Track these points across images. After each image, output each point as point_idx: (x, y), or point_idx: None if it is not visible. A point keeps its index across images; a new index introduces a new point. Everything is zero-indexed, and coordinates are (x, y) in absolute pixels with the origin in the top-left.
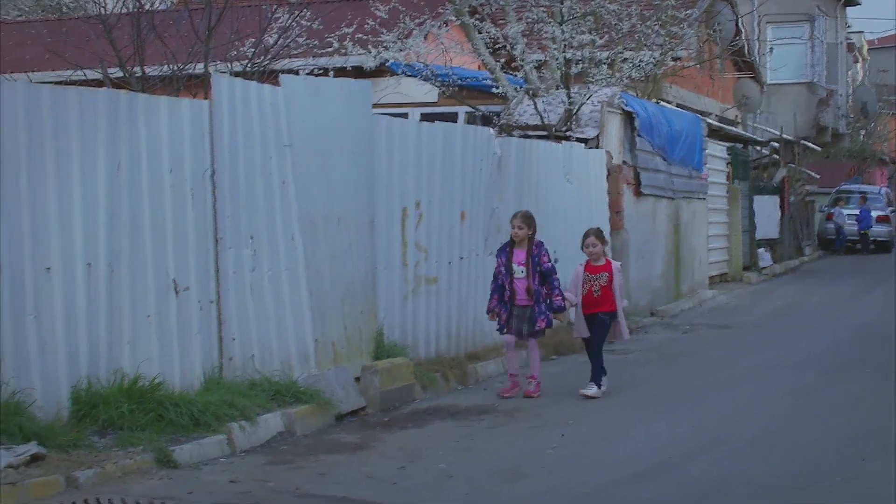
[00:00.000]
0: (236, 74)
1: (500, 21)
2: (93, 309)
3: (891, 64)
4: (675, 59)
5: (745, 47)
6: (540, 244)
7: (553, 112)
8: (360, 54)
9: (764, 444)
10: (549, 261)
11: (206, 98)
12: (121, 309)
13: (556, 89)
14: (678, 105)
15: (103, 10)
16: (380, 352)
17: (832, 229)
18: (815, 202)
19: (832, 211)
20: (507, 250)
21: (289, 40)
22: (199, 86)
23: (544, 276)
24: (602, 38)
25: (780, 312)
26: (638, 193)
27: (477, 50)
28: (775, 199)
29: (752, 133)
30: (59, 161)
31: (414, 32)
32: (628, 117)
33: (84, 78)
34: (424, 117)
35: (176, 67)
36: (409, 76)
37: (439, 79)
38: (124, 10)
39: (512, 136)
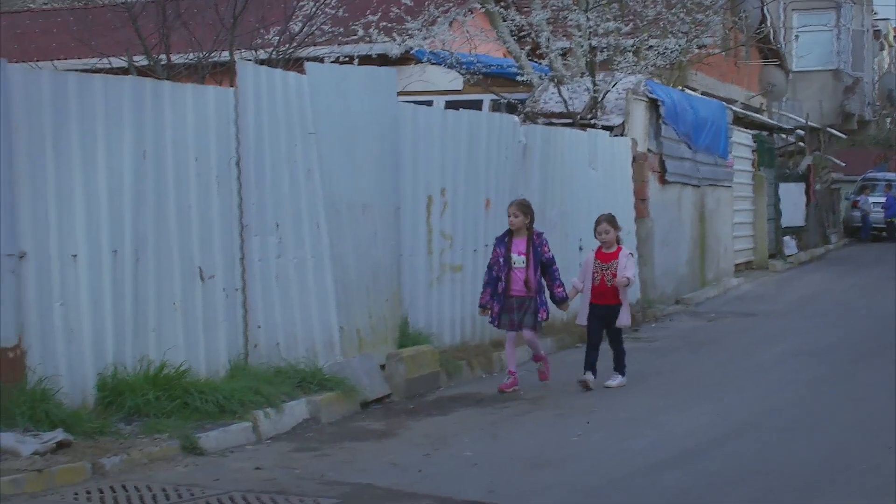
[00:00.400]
0: (261, 62)
1: (525, 8)
2: (118, 296)
3: None
4: (700, 47)
5: (771, 34)
6: (540, 234)
7: (578, 100)
8: (385, 42)
9: (789, 433)
10: (550, 251)
11: (231, 86)
12: (146, 296)
13: (581, 77)
14: (703, 93)
15: None
16: (405, 339)
17: (858, 217)
18: (841, 190)
19: (858, 198)
20: (505, 240)
21: (314, 28)
22: (224, 74)
23: (545, 266)
24: (627, 25)
25: (806, 300)
26: (663, 181)
27: (502, 37)
28: (801, 186)
29: (778, 121)
30: (85, 149)
31: (439, 20)
32: (653, 105)
33: (110, 66)
34: (449, 105)
35: (201, 55)
36: (433, 64)
37: (464, 66)
38: None
39: (537, 123)
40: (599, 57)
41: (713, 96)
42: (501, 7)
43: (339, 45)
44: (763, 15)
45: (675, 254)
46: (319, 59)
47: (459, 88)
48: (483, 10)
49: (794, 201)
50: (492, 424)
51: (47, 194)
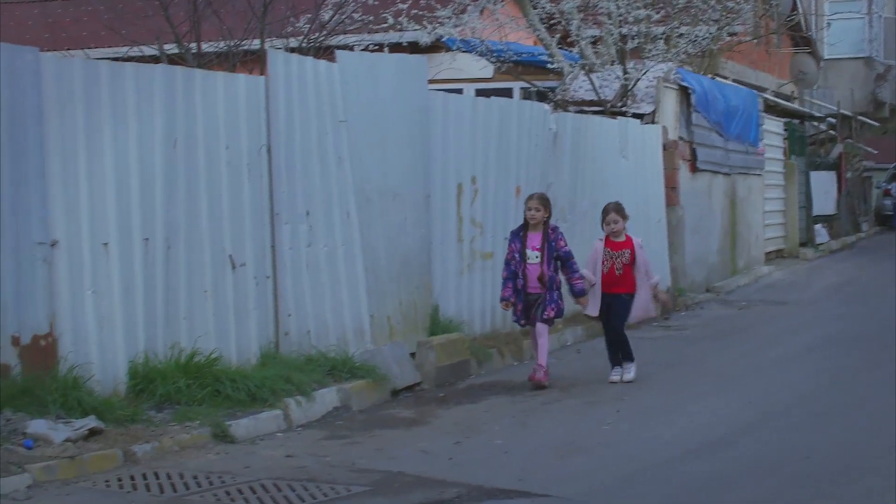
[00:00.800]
0: (292, 50)
1: None
2: (150, 284)
3: None
4: (731, 35)
5: (802, 22)
6: (556, 228)
7: (609, 88)
8: (416, 30)
9: (820, 421)
10: (566, 244)
11: (262, 74)
12: (177, 284)
13: (612, 65)
14: (734, 80)
15: None
16: (435, 327)
17: (889, 205)
18: (873, 178)
19: (889, 187)
20: (520, 235)
21: (344, 16)
22: (254, 62)
23: (562, 260)
24: (658, 13)
25: (837, 289)
26: (694, 169)
27: (532, 25)
28: (832, 174)
29: (809, 108)
30: (117, 137)
31: (469, 8)
32: (684, 93)
33: (141, 54)
34: (479, 93)
35: (232, 44)
36: (464, 52)
37: (494, 54)
38: None
39: (567, 111)
40: (630, 45)
41: (744, 84)
42: None
43: (369, 33)
44: (794, 2)
45: (706, 242)
46: (350, 48)
47: (490, 76)
48: None
49: (825, 189)
50: (522, 412)
51: (79, 183)
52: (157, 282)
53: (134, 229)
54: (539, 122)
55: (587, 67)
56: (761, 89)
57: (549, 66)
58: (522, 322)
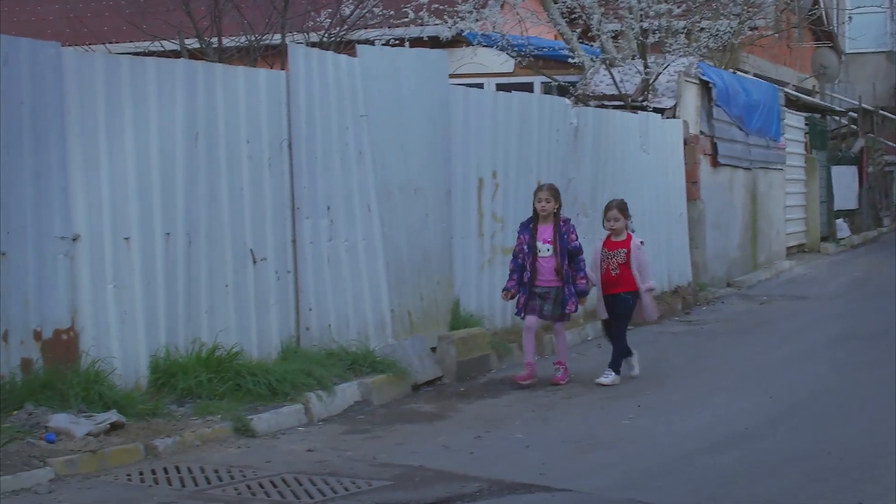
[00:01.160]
0: (313, 45)
1: None
2: (171, 278)
3: None
4: (752, 29)
5: (824, 16)
6: (567, 220)
7: (629, 82)
8: (437, 24)
9: (841, 416)
10: (577, 238)
11: (282, 69)
12: (198, 279)
13: (633, 59)
14: (755, 75)
15: None
16: (456, 322)
17: None
18: (894, 172)
19: None
20: (530, 227)
21: (365, 11)
22: (275, 56)
23: (571, 255)
24: (679, 7)
25: (858, 283)
26: (715, 163)
27: (553, 20)
28: (853, 169)
29: (831, 103)
30: (138, 132)
31: (490, 2)
32: (705, 87)
33: (162, 49)
34: (500, 87)
35: (253, 38)
36: (485, 46)
37: (515, 49)
38: None
39: (588, 106)
40: (651, 39)
41: (765, 78)
42: None
43: (390, 27)
44: None
45: (727, 236)
46: (370, 42)
47: (510, 71)
48: None
49: (846, 184)
50: (542, 407)
51: (100, 178)
52: (178, 276)
53: (155, 224)
54: (560, 116)
55: (608, 62)
56: (782, 84)
57: (569, 60)
58: (523, 315)
